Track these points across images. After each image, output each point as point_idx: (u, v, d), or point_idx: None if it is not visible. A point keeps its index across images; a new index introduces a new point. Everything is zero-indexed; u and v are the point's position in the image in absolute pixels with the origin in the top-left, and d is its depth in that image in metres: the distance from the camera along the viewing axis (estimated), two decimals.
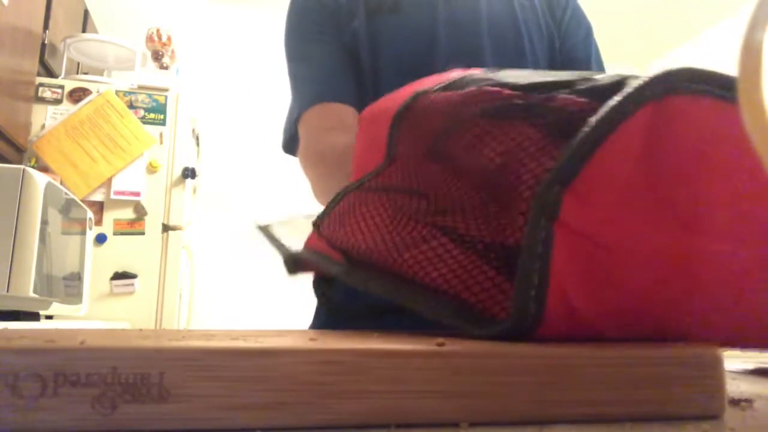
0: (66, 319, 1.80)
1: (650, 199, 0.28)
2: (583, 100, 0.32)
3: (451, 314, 0.31)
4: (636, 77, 0.29)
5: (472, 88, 0.39)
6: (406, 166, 0.44)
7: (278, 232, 0.55)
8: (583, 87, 0.33)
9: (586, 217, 0.27)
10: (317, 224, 0.47)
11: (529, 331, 0.26)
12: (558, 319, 0.27)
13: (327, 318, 0.75)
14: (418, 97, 0.44)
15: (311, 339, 0.27)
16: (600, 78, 0.33)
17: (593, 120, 0.27)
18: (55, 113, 2.29)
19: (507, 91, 0.36)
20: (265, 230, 0.55)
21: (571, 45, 0.82)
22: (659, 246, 0.28)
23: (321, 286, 0.59)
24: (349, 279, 0.39)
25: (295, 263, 0.50)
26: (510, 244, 0.31)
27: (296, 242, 0.52)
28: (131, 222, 2.31)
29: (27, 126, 2.21)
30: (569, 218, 0.26)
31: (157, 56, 2.66)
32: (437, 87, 0.43)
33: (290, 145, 0.80)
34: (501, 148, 0.34)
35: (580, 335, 0.28)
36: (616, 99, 0.27)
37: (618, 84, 0.30)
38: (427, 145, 0.41)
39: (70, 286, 1.73)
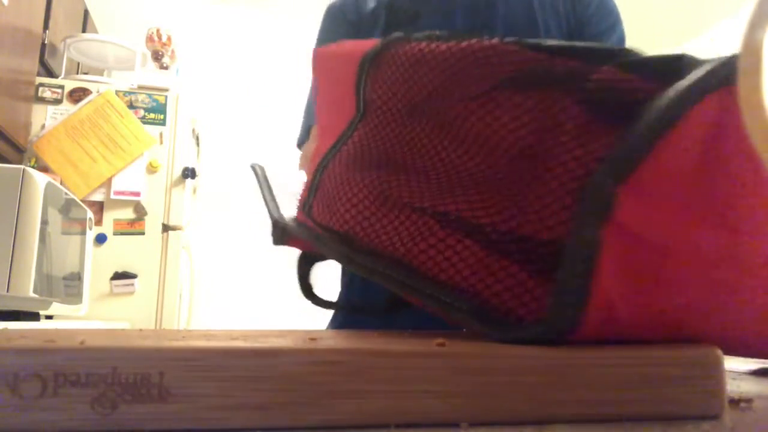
0: (66, 319, 1.80)
1: (706, 196, 0.25)
2: (633, 76, 0.28)
3: (470, 315, 0.29)
4: (695, 59, 0.26)
5: (483, 41, 0.34)
6: (385, 125, 0.39)
7: (272, 183, 0.50)
8: (630, 60, 0.29)
9: (641, 216, 0.24)
10: (306, 207, 0.41)
11: (563, 336, 0.24)
12: (595, 323, 0.25)
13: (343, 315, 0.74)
14: (393, 42, 0.40)
15: (311, 339, 0.27)
16: (646, 54, 0.29)
17: (658, 106, 0.23)
18: (55, 113, 2.29)
19: (531, 53, 0.32)
20: (259, 174, 0.51)
21: (591, 38, 0.81)
22: (712, 247, 0.26)
23: (306, 267, 0.52)
24: (353, 266, 0.36)
25: (283, 232, 0.47)
26: (543, 238, 0.28)
27: (288, 206, 0.49)
28: (131, 222, 2.31)
29: (27, 126, 2.20)
30: (623, 217, 0.24)
31: (157, 56, 2.66)
32: (417, 36, 0.39)
33: (304, 141, 0.81)
34: (533, 125, 0.30)
35: (615, 338, 0.26)
36: (684, 84, 0.24)
37: (675, 63, 0.27)
38: (414, 101, 0.37)
39: (70, 286, 1.73)
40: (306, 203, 0.42)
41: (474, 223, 0.31)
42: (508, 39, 0.33)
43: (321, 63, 0.47)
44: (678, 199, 0.25)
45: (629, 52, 0.29)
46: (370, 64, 0.40)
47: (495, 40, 0.34)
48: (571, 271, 0.24)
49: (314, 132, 0.73)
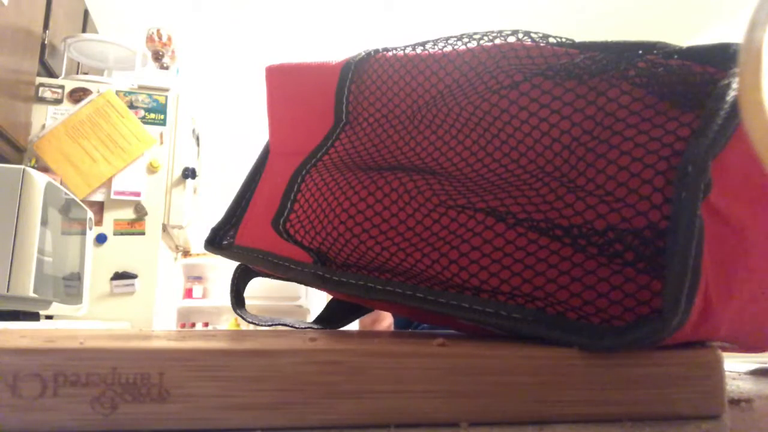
0: (66, 319, 1.80)
1: None
2: (686, 61, 0.27)
3: (545, 325, 0.26)
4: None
5: (498, 42, 0.33)
6: (380, 130, 0.37)
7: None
8: (675, 49, 0.28)
9: (724, 197, 0.24)
10: (279, 224, 0.37)
11: (671, 334, 0.22)
12: (694, 318, 0.23)
13: None
14: (373, 54, 0.39)
15: (311, 339, 0.27)
16: (673, 45, 0.29)
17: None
18: (55, 113, 2.29)
19: (558, 48, 0.31)
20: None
21: None
22: None
23: (244, 280, 0.50)
24: (338, 287, 0.33)
25: (218, 241, 0.46)
26: (634, 227, 0.25)
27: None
28: (131, 222, 2.31)
29: (27, 126, 2.20)
30: (712, 196, 0.23)
31: (157, 56, 2.66)
32: (399, 47, 0.38)
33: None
34: (588, 111, 0.28)
35: (704, 338, 0.26)
36: None
37: (730, 49, 0.26)
38: (418, 105, 0.35)
39: (70, 286, 1.73)
40: (281, 221, 0.37)
41: (525, 220, 0.28)
42: (533, 35, 0.33)
43: (276, 78, 0.44)
44: (755, 182, 0.25)
45: (665, 44, 0.29)
46: (354, 71, 0.39)
47: (517, 38, 0.33)
48: (683, 256, 0.22)
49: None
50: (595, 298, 0.26)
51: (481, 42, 0.35)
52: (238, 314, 0.49)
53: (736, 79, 0.24)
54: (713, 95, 0.25)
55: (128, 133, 2.34)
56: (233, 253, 0.44)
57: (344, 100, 0.39)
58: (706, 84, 0.26)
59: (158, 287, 2.32)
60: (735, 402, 0.27)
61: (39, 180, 1.46)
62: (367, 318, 1.11)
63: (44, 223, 1.47)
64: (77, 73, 2.62)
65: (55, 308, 1.60)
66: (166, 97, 2.44)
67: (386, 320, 1.15)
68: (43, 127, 2.27)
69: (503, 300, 0.28)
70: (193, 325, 3.73)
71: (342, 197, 0.34)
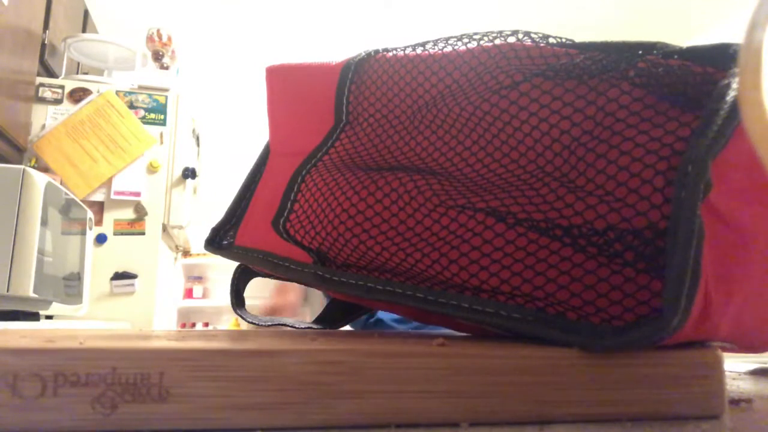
0: (66, 319, 1.80)
1: None
2: (686, 62, 0.27)
3: (545, 325, 0.26)
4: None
5: (497, 42, 0.33)
6: (380, 130, 0.37)
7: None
8: (674, 49, 0.28)
9: (724, 197, 0.24)
10: (279, 224, 0.37)
11: (671, 334, 0.22)
12: (694, 318, 0.23)
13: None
14: (373, 54, 0.39)
15: (311, 339, 0.27)
16: (673, 45, 0.29)
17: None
18: (55, 113, 2.29)
19: (558, 48, 0.31)
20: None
21: None
22: None
23: (244, 280, 0.50)
24: (341, 287, 0.33)
25: (218, 241, 0.46)
26: (633, 227, 0.25)
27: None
28: (131, 222, 2.31)
29: (27, 126, 2.20)
30: (712, 196, 0.23)
31: (157, 56, 2.66)
32: (399, 47, 0.38)
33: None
34: (588, 111, 0.28)
35: (704, 338, 0.26)
36: None
37: (729, 50, 0.26)
38: (418, 105, 0.35)
39: (70, 286, 1.73)
40: (280, 221, 0.37)
41: (525, 219, 0.28)
42: (533, 35, 0.33)
43: (276, 79, 0.44)
44: (755, 182, 0.25)
45: (665, 44, 0.29)
46: (354, 71, 0.39)
47: (517, 38, 0.33)
48: (683, 256, 0.22)
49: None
50: (595, 298, 0.26)
51: (481, 42, 0.35)
52: (238, 314, 0.49)
53: (736, 79, 0.24)
54: (713, 95, 0.25)
55: (128, 133, 2.34)
56: (233, 253, 0.44)
57: (344, 101, 0.39)
58: (706, 84, 0.26)
59: (158, 287, 2.32)
60: (735, 402, 0.27)
61: (39, 180, 1.46)
62: (273, 291, 1.10)
63: (44, 223, 1.47)
64: (77, 73, 2.62)
65: (55, 308, 1.60)
66: (166, 97, 2.44)
67: (292, 291, 1.13)
68: (43, 127, 2.27)
69: (503, 300, 0.28)
70: (194, 325, 3.73)
71: (342, 197, 0.34)
